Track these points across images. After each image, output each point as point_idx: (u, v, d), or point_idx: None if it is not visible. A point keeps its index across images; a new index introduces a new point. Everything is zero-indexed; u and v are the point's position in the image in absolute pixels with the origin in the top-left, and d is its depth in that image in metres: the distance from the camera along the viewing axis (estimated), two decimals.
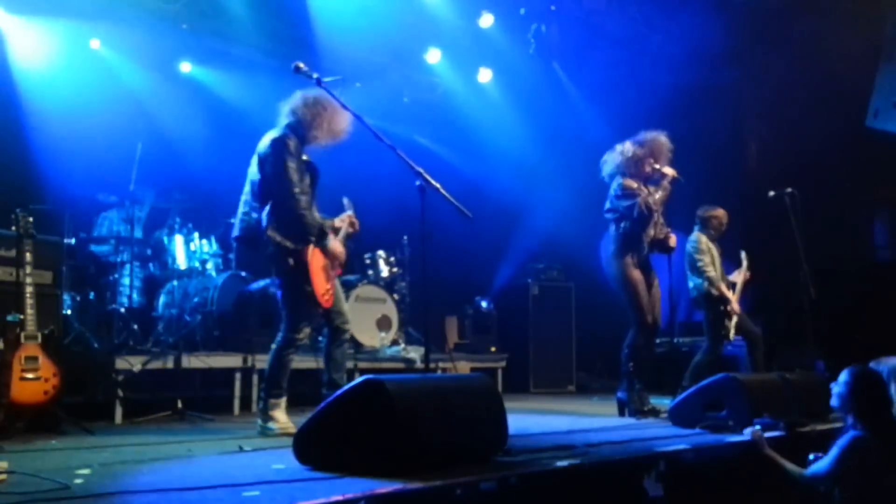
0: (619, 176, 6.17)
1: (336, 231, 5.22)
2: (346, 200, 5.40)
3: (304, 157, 5.03)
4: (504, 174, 9.87)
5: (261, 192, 4.93)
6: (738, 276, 7.15)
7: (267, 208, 4.87)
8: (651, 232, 6.17)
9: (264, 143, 4.96)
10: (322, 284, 4.95)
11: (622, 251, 6.11)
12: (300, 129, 4.99)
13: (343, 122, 5.03)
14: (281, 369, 4.98)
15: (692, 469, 4.22)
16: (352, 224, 5.31)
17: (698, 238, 7.08)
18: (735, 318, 6.89)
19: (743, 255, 7.29)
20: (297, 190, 4.82)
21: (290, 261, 4.84)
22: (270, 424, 4.92)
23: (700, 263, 6.95)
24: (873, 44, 8.63)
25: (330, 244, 5.03)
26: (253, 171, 5.01)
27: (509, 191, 9.94)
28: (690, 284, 7.07)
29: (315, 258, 4.92)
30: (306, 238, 4.87)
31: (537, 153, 9.75)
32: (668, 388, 6.66)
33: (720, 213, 7.19)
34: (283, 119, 5.05)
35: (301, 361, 5.71)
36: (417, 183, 4.38)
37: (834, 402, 4.14)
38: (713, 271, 6.92)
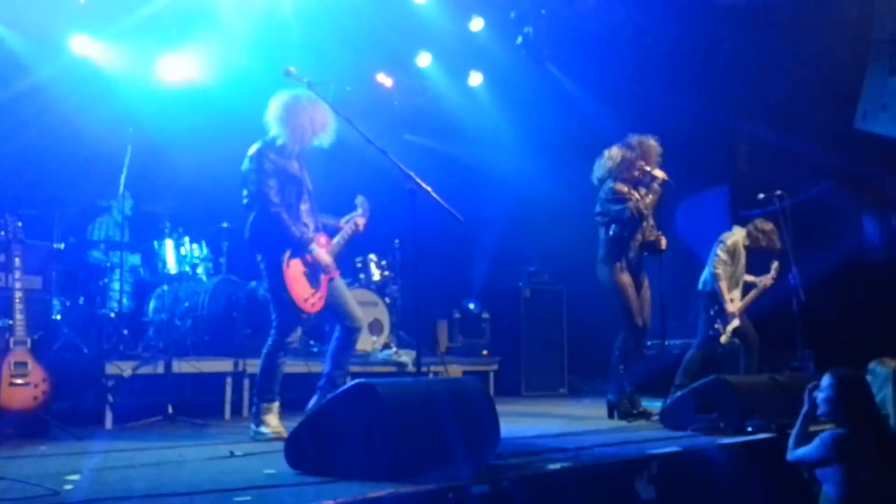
0: (611, 180, 6.18)
1: (336, 231, 5.28)
2: (359, 199, 5.42)
3: (294, 165, 5.04)
4: (494, 178, 9.87)
5: (247, 205, 5.03)
6: (756, 286, 7.00)
7: (250, 220, 5.01)
8: (640, 236, 6.18)
9: (245, 161, 5.02)
10: (303, 291, 4.97)
11: (611, 255, 6.12)
12: (285, 138, 4.99)
13: (326, 113, 5.02)
14: (271, 373, 4.99)
15: (684, 471, 4.23)
16: (356, 225, 5.33)
17: (732, 235, 6.96)
18: (735, 322, 6.81)
19: (774, 265, 7.07)
20: (274, 205, 4.89)
21: (266, 269, 4.98)
22: (262, 429, 4.91)
23: (715, 258, 6.87)
24: (862, 45, 8.67)
25: (314, 252, 5.02)
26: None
27: (500, 194, 9.93)
28: (702, 276, 7.03)
29: (292, 266, 4.95)
30: (281, 249, 4.93)
31: (528, 157, 9.74)
32: (659, 391, 6.67)
33: (768, 228, 6.97)
34: (270, 131, 5.04)
35: (292, 365, 5.67)
36: (408, 187, 4.38)
37: (822, 408, 4.15)
38: (722, 270, 6.83)
